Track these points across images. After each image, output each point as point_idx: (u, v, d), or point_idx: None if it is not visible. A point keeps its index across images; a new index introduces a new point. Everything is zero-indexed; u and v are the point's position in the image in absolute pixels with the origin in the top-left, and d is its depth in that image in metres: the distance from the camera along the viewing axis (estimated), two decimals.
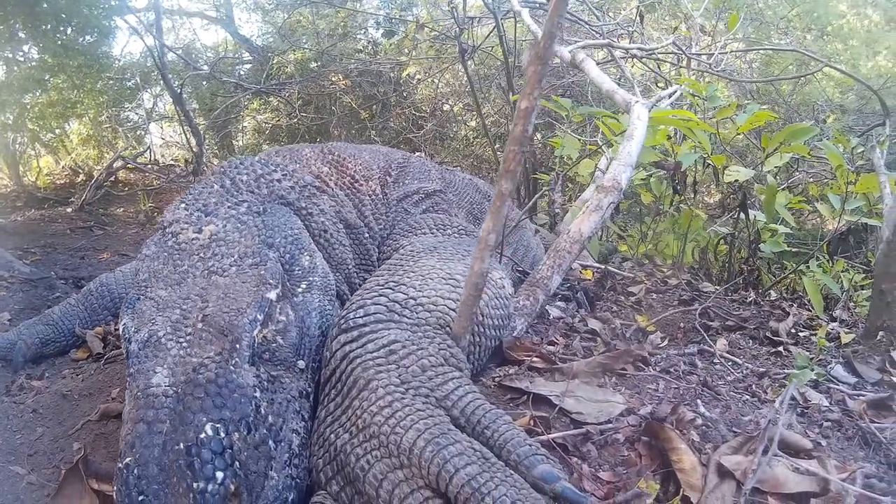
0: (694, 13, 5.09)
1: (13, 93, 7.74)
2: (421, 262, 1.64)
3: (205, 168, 7.39)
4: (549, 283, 1.86)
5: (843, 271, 3.25)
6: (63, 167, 10.19)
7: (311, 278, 1.60)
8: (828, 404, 1.82)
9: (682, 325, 2.58)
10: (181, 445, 1.02)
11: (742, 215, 3.22)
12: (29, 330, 2.37)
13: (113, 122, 9.33)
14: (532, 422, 1.26)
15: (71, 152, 9.85)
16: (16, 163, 9.01)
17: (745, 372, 2.04)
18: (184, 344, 1.20)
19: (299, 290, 1.54)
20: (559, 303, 2.53)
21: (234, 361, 1.18)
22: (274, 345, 1.32)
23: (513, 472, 1.01)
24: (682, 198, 3.48)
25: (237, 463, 1.04)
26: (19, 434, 1.69)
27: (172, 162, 10.61)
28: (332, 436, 1.18)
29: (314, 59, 7.33)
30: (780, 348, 2.37)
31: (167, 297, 1.33)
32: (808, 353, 2.25)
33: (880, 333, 2.30)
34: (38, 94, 8.11)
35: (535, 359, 1.54)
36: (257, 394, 1.17)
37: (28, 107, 8.27)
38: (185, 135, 7.14)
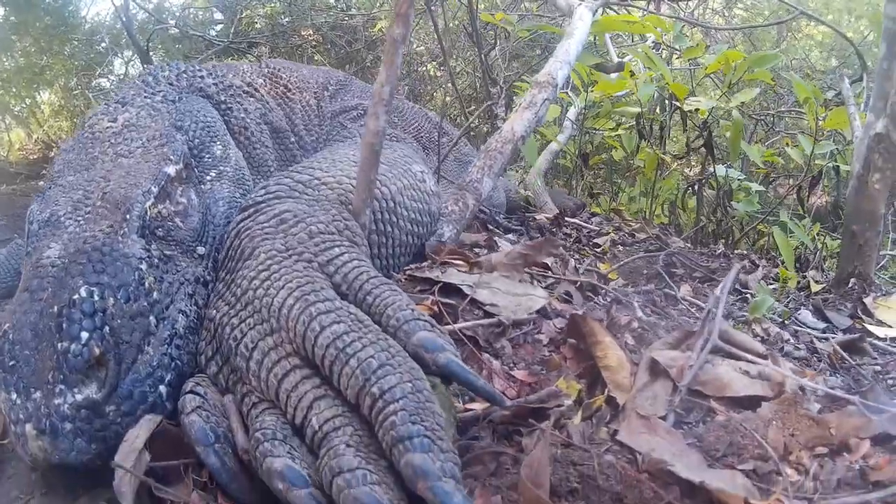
0: None
1: None
2: (336, 151, 1.52)
3: None
4: (479, 187, 1.67)
5: (818, 234, 3.15)
6: (36, 141, 10.09)
7: (222, 168, 1.50)
8: (792, 339, 1.73)
9: (645, 272, 2.42)
10: (55, 308, 0.93)
11: (709, 158, 3.11)
12: None
13: (84, 89, 9.17)
14: (437, 307, 1.08)
15: (43, 125, 9.74)
16: None
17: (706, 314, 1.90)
18: (81, 221, 1.11)
19: (208, 178, 1.44)
20: (509, 236, 2.38)
21: (122, 231, 1.09)
22: (170, 223, 1.22)
23: (390, 338, 0.86)
24: (648, 143, 3.36)
25: (108, 328, 0.95)
26: None
27: None
28: (213, 311, 1.06)
29: (284, 12, 7.09)
30: (748, 296, 2.25)
31: (74, 180, 1.25)
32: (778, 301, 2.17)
33: (852, 280, 2.25)
34: (4, 59, 7.94)
35: (455, 259, 1.36)
36: (143, 266, 1.07)
37: None
38: None
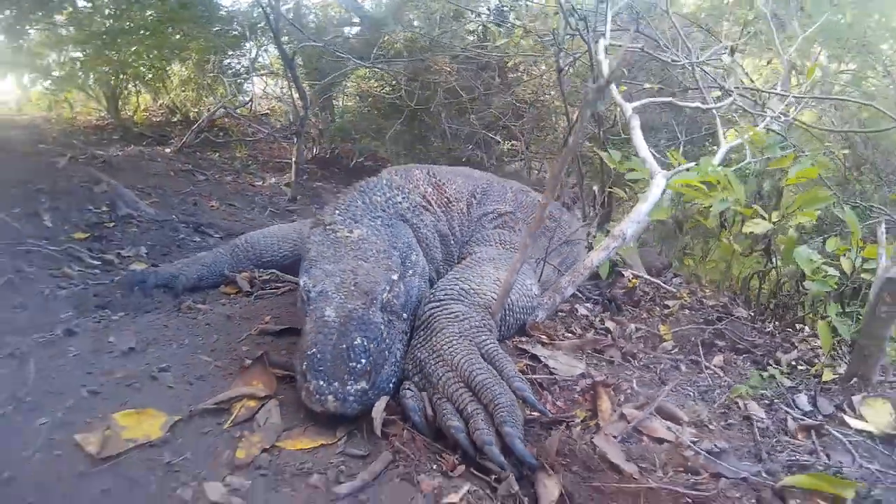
0: (788, 49, 5.61)
1: (123, 35, 9.13)
2: (482, 268, 2.88)
3: (308, 130, 8.80)
4: (564, 291, 3.05)
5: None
6: (160, 105, 11.54)
7: (415, 268, 2.83)
8: (763, 415, 2.57)
9: (693, 338, 3.38)
10: (345, 346, 2.18)
11: (771, 258, 4.05)
12: (188, 268, 3.63)
13: (215, 68, 10.60)
14: (525, 368, 2.49)
15: (170, 92, 11.27)
16: (115, 97, 10.30)
17: (721, 383, 2.87)
18: (343, 296, 2.38)
19: (408, 274, 2.74)
20: (588, 304, 3.63)
21: (372, 309, 2.37)
22: (393, 303, 2.51)
23: (504, 383, 2.18)
24: (728, 231, 4.35)
25: (371, 357, 2.20)
26: (200, 338, 2.78)
27: (268, 111, 12.05)
28: (419, 353, 2.39)
29: (423, 38, 8.40)
30: (771, 373, 3.01)
31: (331, 269, 2.53)
32: (790, 381, 2.96)
33: (854, 379, 2.89)
34: (147, 36, 9.39)
35: (542, 336, 2.78)
36: (382, 326, 2.34)
37: (135, 50, 9.70)
38: (293, 97, 8.36)
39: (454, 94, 8.53)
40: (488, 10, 8.55)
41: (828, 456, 2.33)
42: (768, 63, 6.37)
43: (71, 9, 9.02)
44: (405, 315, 2.59)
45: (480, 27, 8.64)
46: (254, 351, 2.60)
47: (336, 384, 2.10)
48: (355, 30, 10.26)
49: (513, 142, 8.57)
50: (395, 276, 2.58)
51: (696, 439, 2.23)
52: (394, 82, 9.05)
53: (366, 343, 2.21)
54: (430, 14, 8.61)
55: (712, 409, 2.59)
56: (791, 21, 6.04)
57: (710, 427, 2.39)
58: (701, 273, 5.20)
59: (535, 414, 2.23)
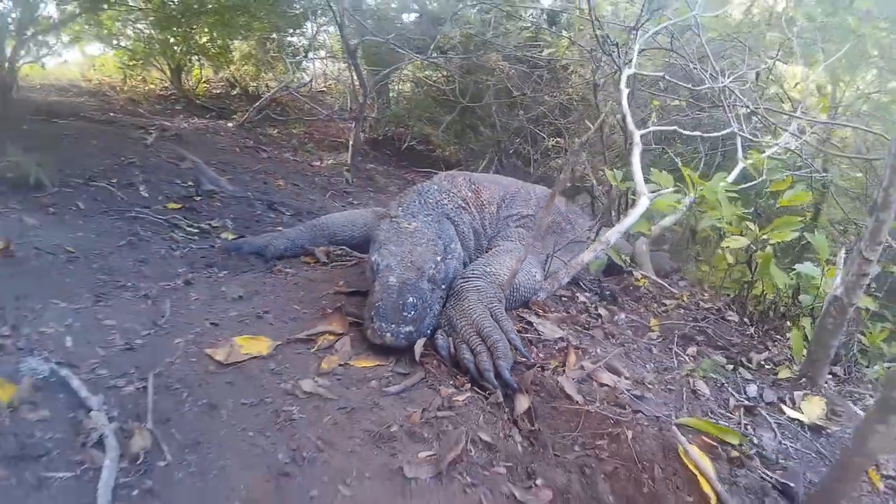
0: (813, 75, 6.56)
1: (194, 17, 10.38)
2: (501, 257, 4.11)
3: (366, 115, 10.01)
4: (561, 280, 4.27)
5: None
6: (220, 78, 12.83)
7: (453, 255, 4.02)
8: (708, 393, 3.29)
9: (676, 331, 4.08)
10: (401, 302, 3.27)
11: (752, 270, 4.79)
12: (275, 240, 4.84)
13: (276, 46, 11.89)
14: (521, 328, 3.79)
15: (229, 66, 12.56)
16: (178, 70, 11.56)
17: (685, 367, 3.55)
18: (402, 269, 3.61)
19: (448, 258, 3.91)
20: (588, 293, 4.71)
21: (421, 279, 3.59)
22: (436, 276, 3.69)
23: (504, 335, 3.41)
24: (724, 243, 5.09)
25: (417, 311, 3.27)
26: (291, 293, 3.80)
27: (324, 88, 13.36)
28: (449, 312, 3.60)
29: (478, 36, 9.45)
30: (746, 367, 3.69)
31: (395, 250, 3.76)
32: (750, 374, 3.59)
33: (803, 379, 3.49)
34: (215, 16, 10.58)
35: (538, 309, 4.11)
36: (427, 292, 3.53)
37: (201, 29, 10.94)
38: (353, 84, 9.61)
39: (506, 92, 9.66)
40: (541, 10, 9.62)
41: (753, 429, 3.00)
42: (796, 85, 7.26)
43: None
44: (443, 286, 3.68)
45: (532, 27, 9.71)
46: (332, 304, 3.64)
47: (393, 326, 3.20)
48: (413, 16, 11.46)
49: (557, 139, 9.56)
50: (439, 258, 3.78)
51: (630, 389, 3.31)
52: (448, 74, 10.25)
53: (415, 301, 3.31)
54: (485, 14, 9.71)
55: (661, 379, 3.38)
56: (818, 46, 6.99)
57: (649, 386, 3.28)
58: (707, 278, 6.02)
59: (522, 359, 3.44)
